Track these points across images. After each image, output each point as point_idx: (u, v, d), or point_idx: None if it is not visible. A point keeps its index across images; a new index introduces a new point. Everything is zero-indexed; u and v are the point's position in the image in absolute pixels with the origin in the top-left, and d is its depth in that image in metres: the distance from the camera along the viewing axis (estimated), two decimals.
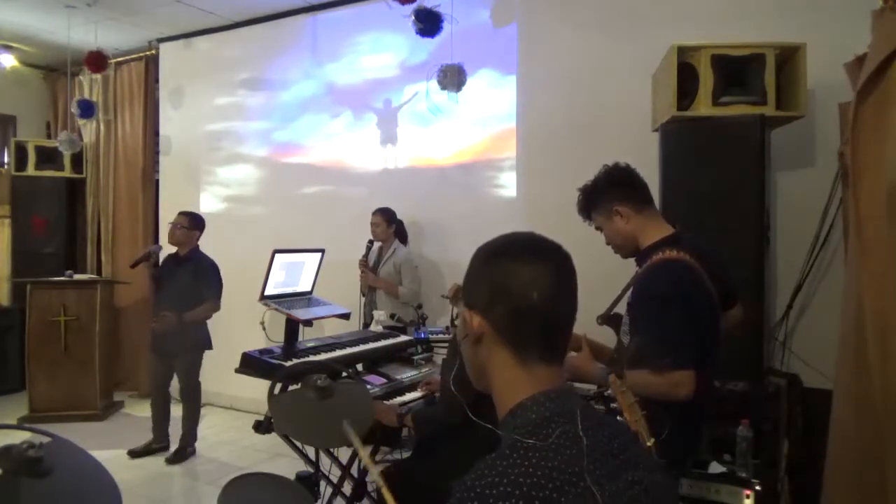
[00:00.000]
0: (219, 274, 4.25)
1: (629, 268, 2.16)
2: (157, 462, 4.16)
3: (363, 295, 4.36)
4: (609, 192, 1.98)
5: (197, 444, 4.42)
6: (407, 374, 3.07)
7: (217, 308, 4.19)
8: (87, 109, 5.61)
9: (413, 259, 4.34)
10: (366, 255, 4.29)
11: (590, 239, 2.36)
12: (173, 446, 4.28)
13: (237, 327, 5.28)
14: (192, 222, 4.23)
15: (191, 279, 4.12)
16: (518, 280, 0.91)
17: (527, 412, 0.87)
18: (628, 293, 1.95)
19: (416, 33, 4.05)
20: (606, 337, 2.14)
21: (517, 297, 0.91)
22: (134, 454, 4.17)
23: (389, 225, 4.29)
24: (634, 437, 1.13)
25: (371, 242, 4.30)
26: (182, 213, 4.30)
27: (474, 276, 0.97)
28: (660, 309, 1.80)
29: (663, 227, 1.98)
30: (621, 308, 2.01)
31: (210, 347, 4.32)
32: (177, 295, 4.11)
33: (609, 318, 2.08)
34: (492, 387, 0.95)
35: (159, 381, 4.33)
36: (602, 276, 2.39)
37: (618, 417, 1.51)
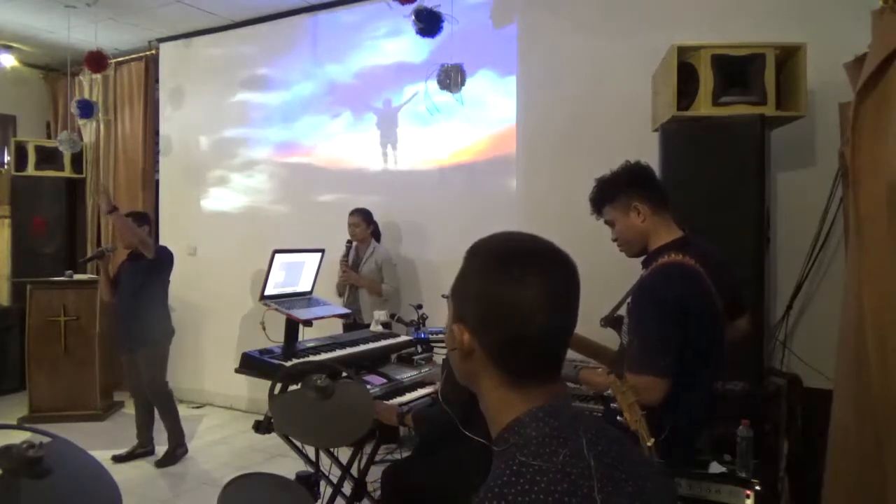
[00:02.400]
0: (169, 252, 4.24)
1: (628, 269, 2.15)
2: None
3: (339, 295, 4.40)
4: (630, 186, 1.97)
5: (197, 444, 4.42)
6: (407, 374, 3.07)
7: (147, 242, 4.03)
8: (87, 109, 5.61)
9: (392, 257, 4.41)
10: (346, 255, 4.35)
11: (591, 239, 2.36)
12: (160, 449, 4.23)
13: (237, 327, 5.30)
14: (138, 220, 4.20)
15: (147, 272, 4.09)
16: (519, 304, 0.80)
17: (524, 429, 0.81)
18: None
19: (417, 33, 4.05)
20: (611, 339, 2.15)
21: (516, 325, 0.81)
22: (118, 459, 4.10)
23: (368, 225, 4.37)
24: (631, 441, 1.12)
25: (350, 242, 4.36)
26: (126, 215, 4.27)
27: (466, 289, 0.86)
28: (650, 312, 1.81)
29: (674, 231, 1.97)
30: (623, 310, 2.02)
31: (170, 342, 4.26)
32: (135, 286, 4.08)
33: (612, 321, 2.08)
34: (481, 399, 0.88)
35: (132, 382, 4.29)
36: (603, 277, 2.39)
37: (618, 417, 1.51)
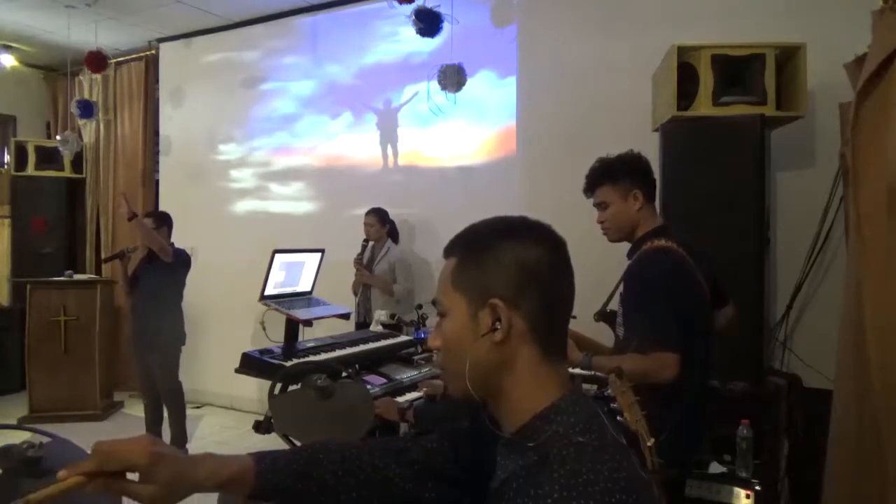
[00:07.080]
0: (186, 255, 4.28)
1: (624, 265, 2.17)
2: None
3: (355, 294, 4.39)
4: (635, 173, 2.00)
5: (197, 445, 4.41)
6: (407, 374, 3.06)
7: (165, 247, 4.04)
8: (87, 109, 5.61)
9: (407, 258, 4.40)
10: (361, 254, 4.33)
11: (590, 239, 2.35)
12: None
13: (237, 327, 5.29)
14: (158, 221, 4.21)
15: (164, 273, 4.11)
16: (550, 265, 0.81)
17: (562, 415, 0.77)
18: (621, 287, 1.98)
19: (417, 33, 4.05)
20: (602, 334, 2.15)
21: (551, 287, 0.81)
22: None
23: (383, 225, 4.35)
24: (632, 439, 1.12)
25: (366, 241, 4.35)
26: (146, 214, 4.31)
27: (491, 261, 0.81)
28: (646, 295, 1.84)
29: (657, 219, 2.03)
30: (614, 304, 2.03)
31: (184, 343, 4.30)
32: (151, 287, 4.10)
33: (605, 315, 2.10)
34: (505, 390, 0.82)
35: (144, 382, 4.27)
36: (601, 277, 2.39)
37: (617, 418, 1.51)
